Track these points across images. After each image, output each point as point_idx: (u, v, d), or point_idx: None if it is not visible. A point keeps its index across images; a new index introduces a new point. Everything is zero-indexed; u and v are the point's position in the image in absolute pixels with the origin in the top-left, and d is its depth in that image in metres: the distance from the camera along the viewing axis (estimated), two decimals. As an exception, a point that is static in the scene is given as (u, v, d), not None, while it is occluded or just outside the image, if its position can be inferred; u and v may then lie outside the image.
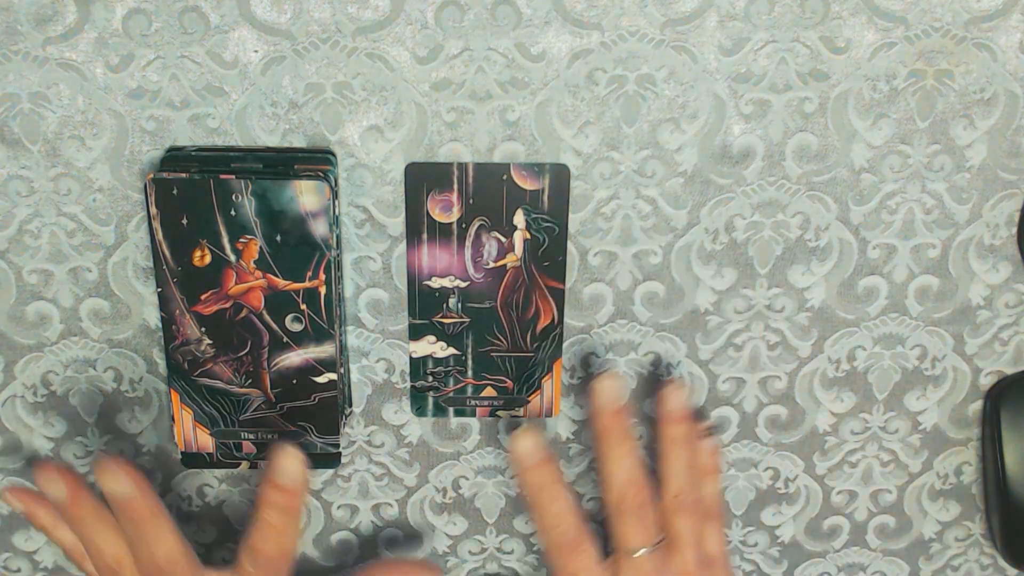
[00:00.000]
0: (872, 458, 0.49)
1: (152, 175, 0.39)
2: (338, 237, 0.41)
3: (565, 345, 0.46)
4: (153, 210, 0.39)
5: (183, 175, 0.39)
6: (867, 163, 0.43)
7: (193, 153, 0.41)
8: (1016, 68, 0.42)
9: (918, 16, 0.41)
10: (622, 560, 0.43)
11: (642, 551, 0.42)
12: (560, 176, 0.42)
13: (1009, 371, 0.48)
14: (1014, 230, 0.45)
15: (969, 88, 0.42)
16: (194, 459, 0.44)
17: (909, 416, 0.48)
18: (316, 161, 0.41)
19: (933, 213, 0.44)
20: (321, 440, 0.44)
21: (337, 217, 0.41)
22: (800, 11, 0.41)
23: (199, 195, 0.39)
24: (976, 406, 0.48)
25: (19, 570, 0.49)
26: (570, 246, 0.44)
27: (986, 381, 0.48)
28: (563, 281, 0.44)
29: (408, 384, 0.46)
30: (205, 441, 0.44)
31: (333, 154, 0.42)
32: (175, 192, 0.39)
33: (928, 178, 0.44)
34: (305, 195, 0.39)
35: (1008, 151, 0.43)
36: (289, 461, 0.40)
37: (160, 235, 0.40)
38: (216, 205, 0.39)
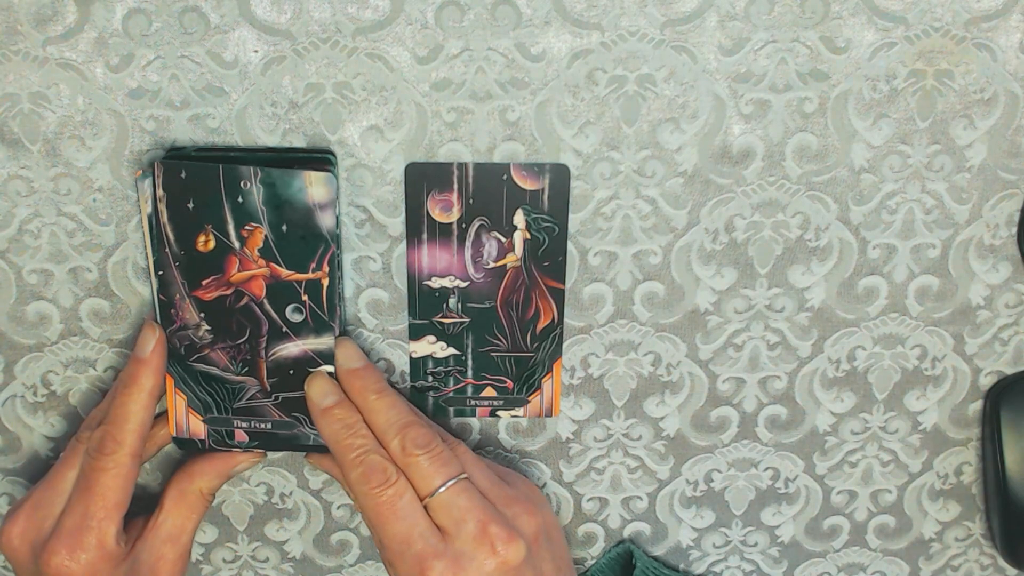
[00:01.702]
0: (872, 458, 0.49)
1: (158, 159, 0.39)
2: (338, 237, 0.41)
3: (565, 345, 0.46)
4: (160, 192, 0.39)
5: (188, 160, 0.39)
6: (867, 163, 0.43)
7: (193, 154, 0.41)
8: (1016, 68, 0.42)
9: (918, 16, 0.41)
10: (433, 507, 0.40)
11: (448, 484, 0.40)
12: (560, 176, 0.42)
13: (1009, 371, 0.48)
14: (1014, 230, 0.45)
15: (969, 88, 0.42)
16: (185, 444, 0.44)
17: (909, 416, 0.48)
18: (316, 161, 0.41)
19: (933, 213, 0.44)
20: (314, 432, 0.44)
21: (338, 217, 0.41)
22: (800, 11, 0.41)
23: (207, 180, 0.39)
24: (976, 406, 0.48)
25: (19, 570, 0.49)
26: (570, 246, 0.44)
27: (986, 381, 0.48)
28: (563, 281, 0.44)
29: (408, 384, 0.46)
30: (197, 428, 0.43)
31: (333, 154, 0.42)
32: (183, 176, 0.39)
33: (928, 178, 0.44)
34: (314, 186, 0.39)
35: (1008, 151, 0.43)
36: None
37: (165, 218, 0.40)
38: (224, 191, 0.39)
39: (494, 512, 0.40)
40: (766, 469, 0.49)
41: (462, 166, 0.42)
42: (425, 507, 0.40)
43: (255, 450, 0.45)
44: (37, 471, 0.47)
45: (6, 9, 0.39)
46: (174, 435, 0.44)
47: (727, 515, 0.50)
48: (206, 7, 0.39)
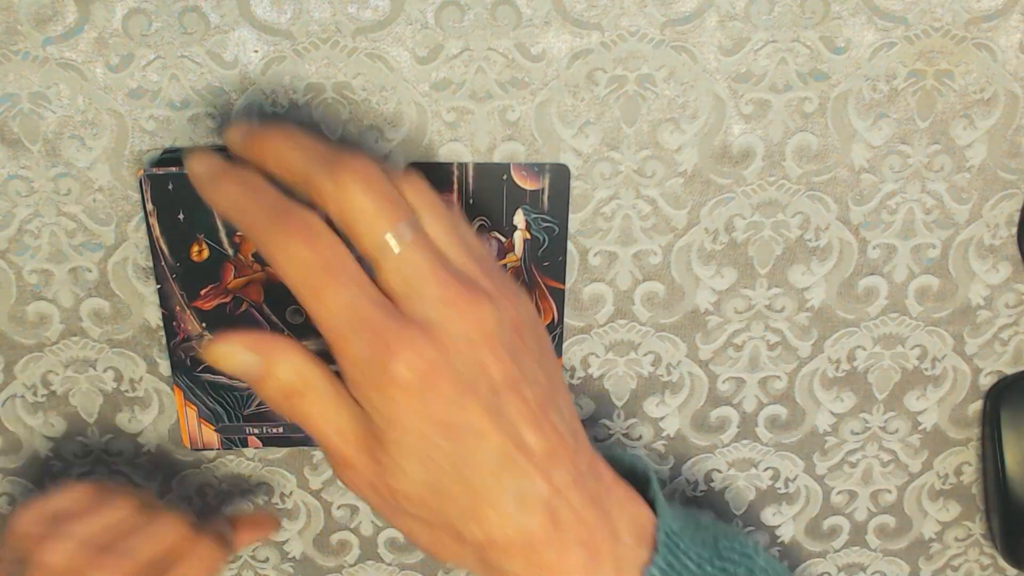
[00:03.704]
0: (872, 458, 0.49)
1: (143, 171, 0.39)
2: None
3: (565, 345, 0.46)
4: (150, 207, 0.39)
5: (173, 169, 0.39)
6: (867, 163, 0.43)
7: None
8: (1016, 68, 0.42)
9: (918, 16, 0.41)
10: (382, 262, 0.30)
11: (394, 235, 0.30)
12: (560, 176, 0.42)
13: (1009, 371, 0.48)
14: (1014, 230, 0.45)
15: (969, 88, 0.42)
16: (200, 451, 0.44)
17: (909, 416, 0.48)
18: None
19: (933, 213, 0.44)
20: None
21: None
22: (800, 11, 0.41)
23: (194, 190, 0.39)
24: (976, 406, 0.48)
25: (19, 570, 0.49)
26: (570, 246, 0.44)
27: (986, 381, 0.48)
28: (563, 281, 0.44)
29: (408, 384, 0.46)
30: (211, 438, 0.44)
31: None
32: (170, 188, 0.39)
33: (928, 178, 0.44)
34: None
35: (1008, 151, 0.43)
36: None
37: (157, 231, 0.40)
38: None
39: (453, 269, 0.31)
40: (766, 469, 0.49)
41: (462, 166, 0.42)
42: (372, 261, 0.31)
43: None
44: (37, 471, 0.47)
45: (6, 9, 0.39)
46: (188, 446, 0.44)
47: (727, 515, 0.50)
48: (206, 7, 0.39)
